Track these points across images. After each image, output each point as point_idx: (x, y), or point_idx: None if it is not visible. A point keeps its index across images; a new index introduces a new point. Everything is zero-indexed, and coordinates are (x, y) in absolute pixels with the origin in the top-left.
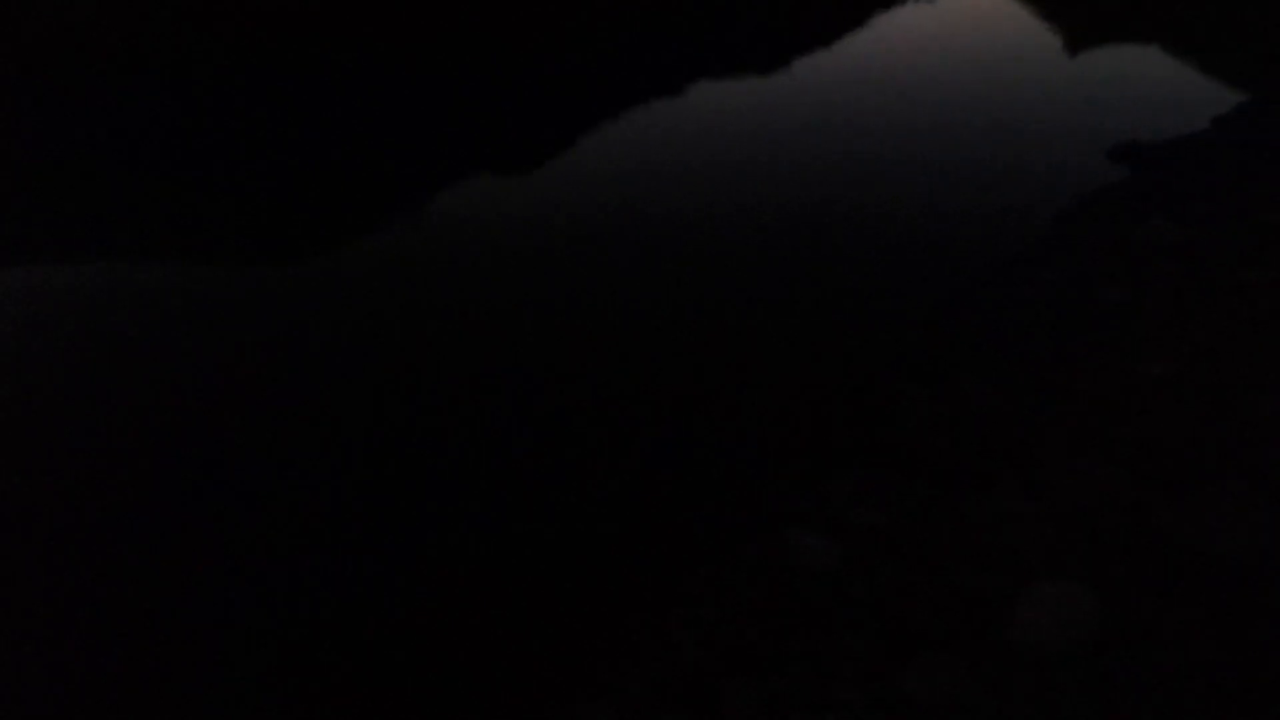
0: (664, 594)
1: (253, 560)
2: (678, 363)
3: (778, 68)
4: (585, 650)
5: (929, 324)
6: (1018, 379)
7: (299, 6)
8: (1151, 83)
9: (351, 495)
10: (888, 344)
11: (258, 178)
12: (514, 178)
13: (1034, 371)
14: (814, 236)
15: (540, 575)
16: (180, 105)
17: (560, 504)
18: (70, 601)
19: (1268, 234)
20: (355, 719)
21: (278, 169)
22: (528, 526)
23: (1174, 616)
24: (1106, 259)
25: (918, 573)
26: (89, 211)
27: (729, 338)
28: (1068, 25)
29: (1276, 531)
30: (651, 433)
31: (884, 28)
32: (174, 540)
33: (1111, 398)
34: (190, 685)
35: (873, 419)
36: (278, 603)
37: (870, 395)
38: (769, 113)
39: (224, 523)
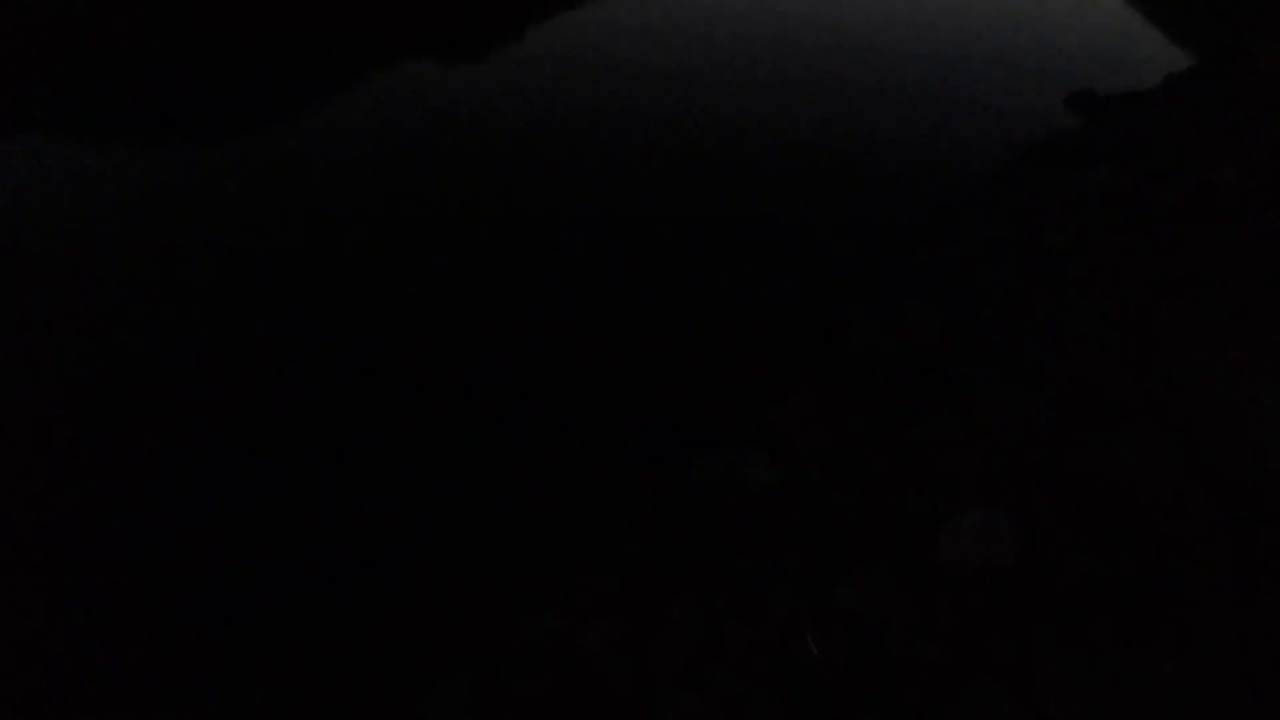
0: (611, 509)
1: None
2: (627, 282)
3: None
4: (533, 564)
5: (879, 255)
6: (960, 315)
7: None
8: (1111, 32)
9: (294, 401)
10: (838, 273)
11: (195, 56)
12: (458, 65)
13: (976, 309)
14: (765, 157)
15: (490, 491)
16: None
17: (511, 418)
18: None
19: (1205, 191)
20: (326, 627)
21: (214, 45)
22: (479, 443)
23: (1087, 546)
24: (1052, 203)
25: (855, 494)
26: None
27: (681, 258)
28: None
29: (1186, 472)
30: (599, 352)
31: None
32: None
33: (1046, 339)
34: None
35: (821, 346)
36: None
37: (819, 322)
38: (726, 20)
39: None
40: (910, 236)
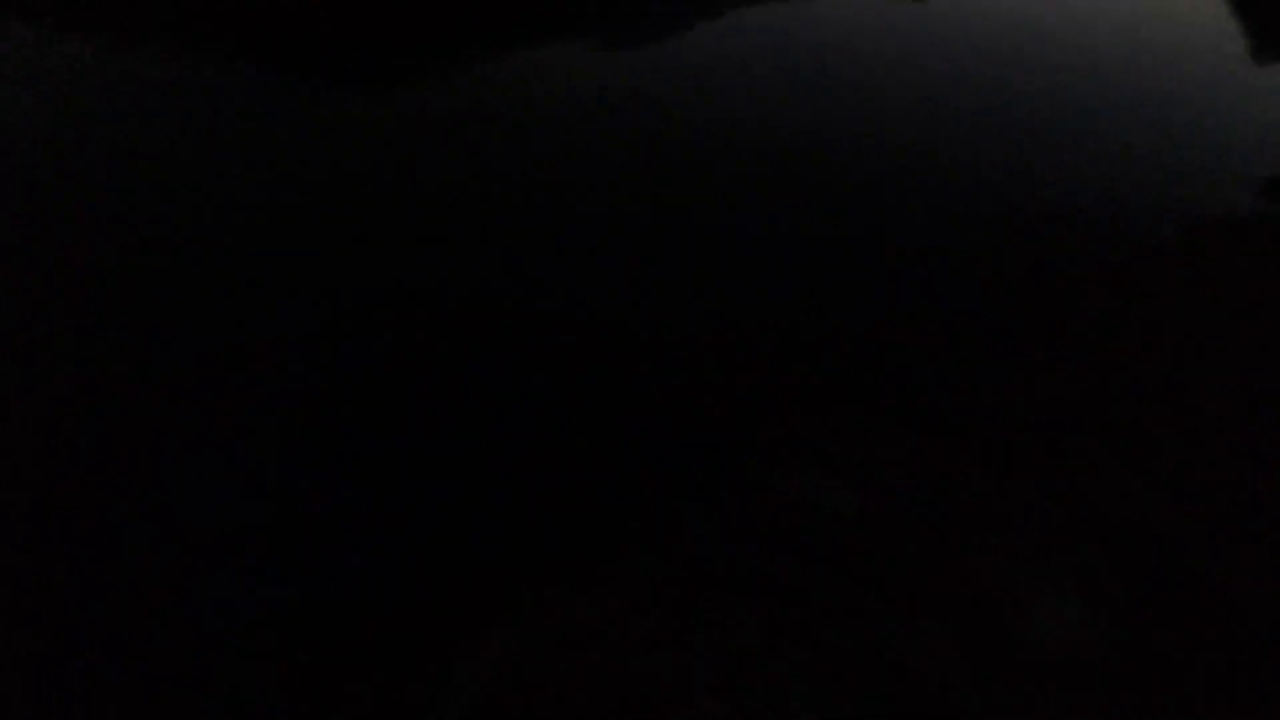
0: (677, 508)
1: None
2: (740, 285)
3: None
4: (584, 547)
5: (1016, 295)
6: (1087, 376)
7: None
8: None
9: (351, 373)
10: (967, 304)
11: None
12: (619, 50)
13: (1104, 373)
14: (919, 186)
15: (550, 472)
16: None
17: (599, 407)
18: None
19: None
20: (344, 605)
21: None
22: (557, 427)
23: (1178, 641)
24: (1208, 289)
25: (933, 541)
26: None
27: (821, 274)
28: (1260, 25)
29: None
30: (693, 348)
31: None
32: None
33: (1168, 420)
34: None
35: (931, 381)
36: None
37: (935, 357)
38: (895, 43)
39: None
40: (1047, 281)
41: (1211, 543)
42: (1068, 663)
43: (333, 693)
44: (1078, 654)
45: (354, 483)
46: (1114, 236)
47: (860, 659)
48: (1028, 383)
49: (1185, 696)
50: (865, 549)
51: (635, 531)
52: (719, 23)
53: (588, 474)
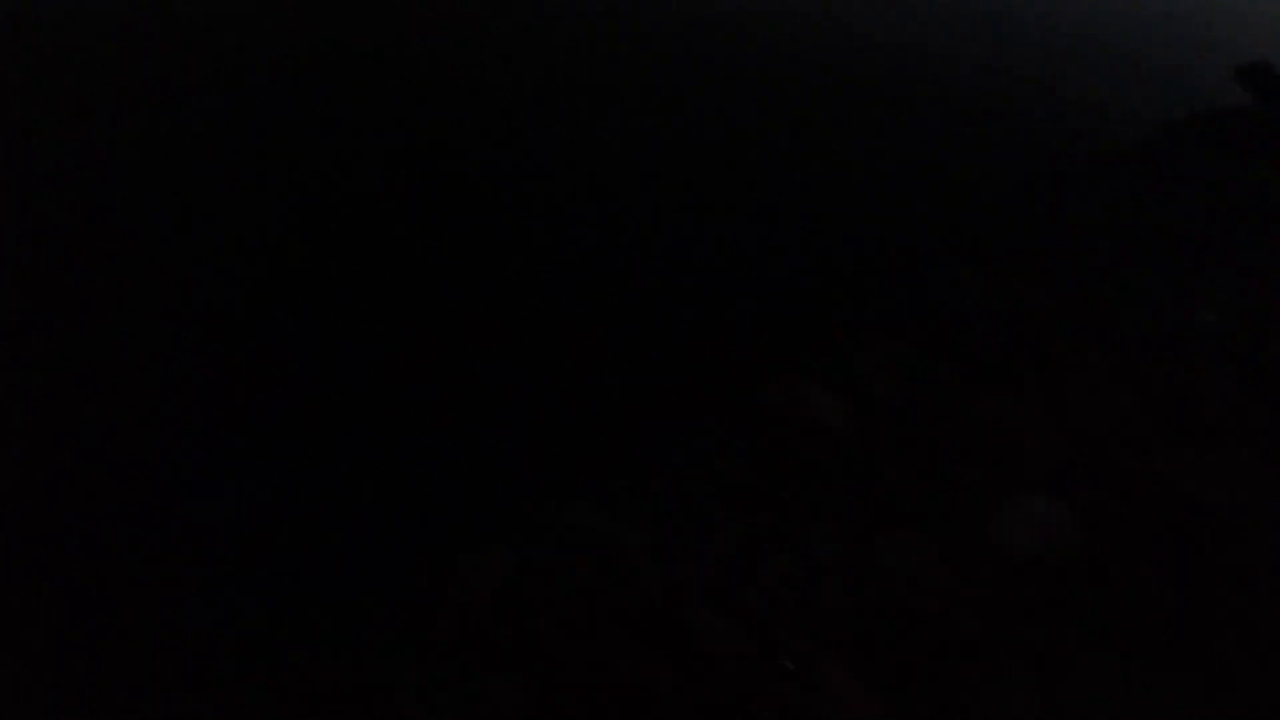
0: (672, 423)
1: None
2: (728, 196)
3: None
4: (587, 460)
5: (994, 211)
6: (1072, 292)
7: None
8: None
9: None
10: (949, 225)
11: None
12: None
13: (1090, 289)
14: (886, 85)
15: (551, 383)
16: None
17: (577, 318)
18: None
19: None
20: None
21: None
22: (539, 337)
23: (1150, 558)
24: (1197, 189)
25: (918, 453)
26: None
27: (788, 179)
28: None
29: (1271, 497)
30: (687, 265)
31: None
32: None
33: (1155, 336)
34: None
35: (917, 295)
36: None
37: (920, 270)
38: None
39: None
40: (1027, 197)
41: (1189, 454)
42: (1039, 565)
43: (334, 603)
44: (1049, 557)
45: (366, 395)
46: (1090, 139)
47: (839, 564)
48: (1017, 294)
49: (1147, 601)
50: (852, 461)
51: (629, 449)
52: None
53: (582, 394)
